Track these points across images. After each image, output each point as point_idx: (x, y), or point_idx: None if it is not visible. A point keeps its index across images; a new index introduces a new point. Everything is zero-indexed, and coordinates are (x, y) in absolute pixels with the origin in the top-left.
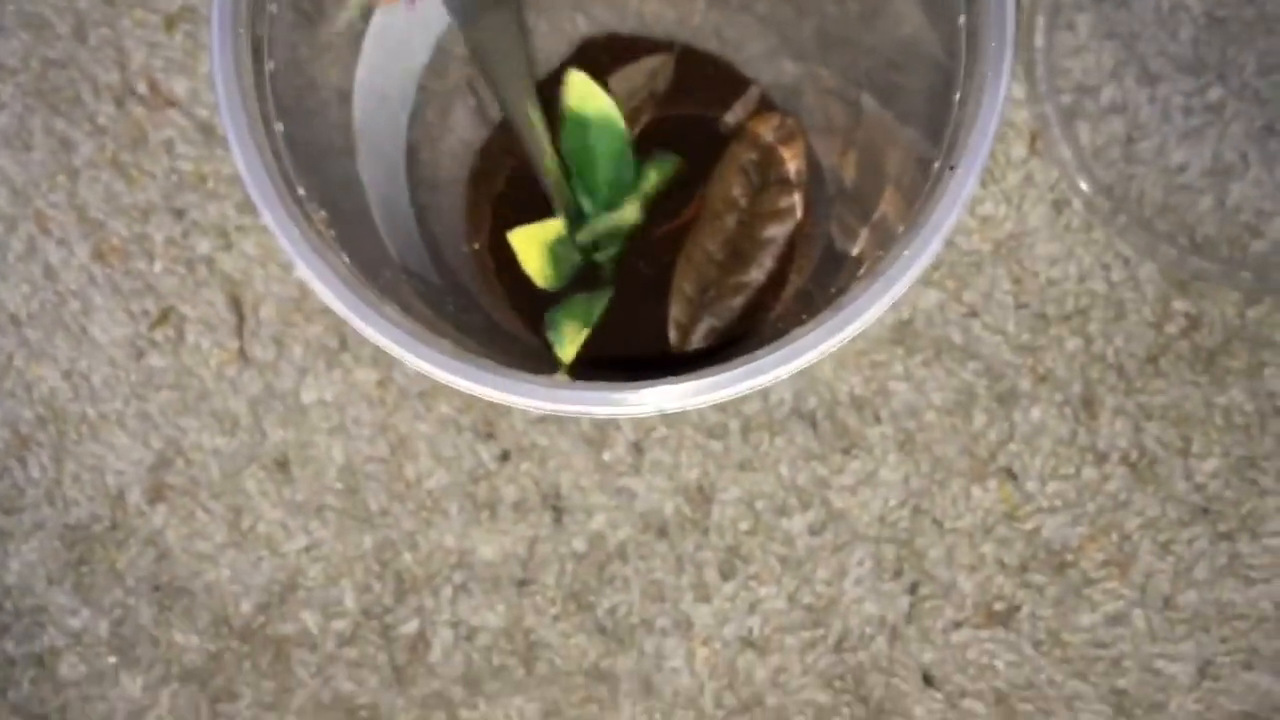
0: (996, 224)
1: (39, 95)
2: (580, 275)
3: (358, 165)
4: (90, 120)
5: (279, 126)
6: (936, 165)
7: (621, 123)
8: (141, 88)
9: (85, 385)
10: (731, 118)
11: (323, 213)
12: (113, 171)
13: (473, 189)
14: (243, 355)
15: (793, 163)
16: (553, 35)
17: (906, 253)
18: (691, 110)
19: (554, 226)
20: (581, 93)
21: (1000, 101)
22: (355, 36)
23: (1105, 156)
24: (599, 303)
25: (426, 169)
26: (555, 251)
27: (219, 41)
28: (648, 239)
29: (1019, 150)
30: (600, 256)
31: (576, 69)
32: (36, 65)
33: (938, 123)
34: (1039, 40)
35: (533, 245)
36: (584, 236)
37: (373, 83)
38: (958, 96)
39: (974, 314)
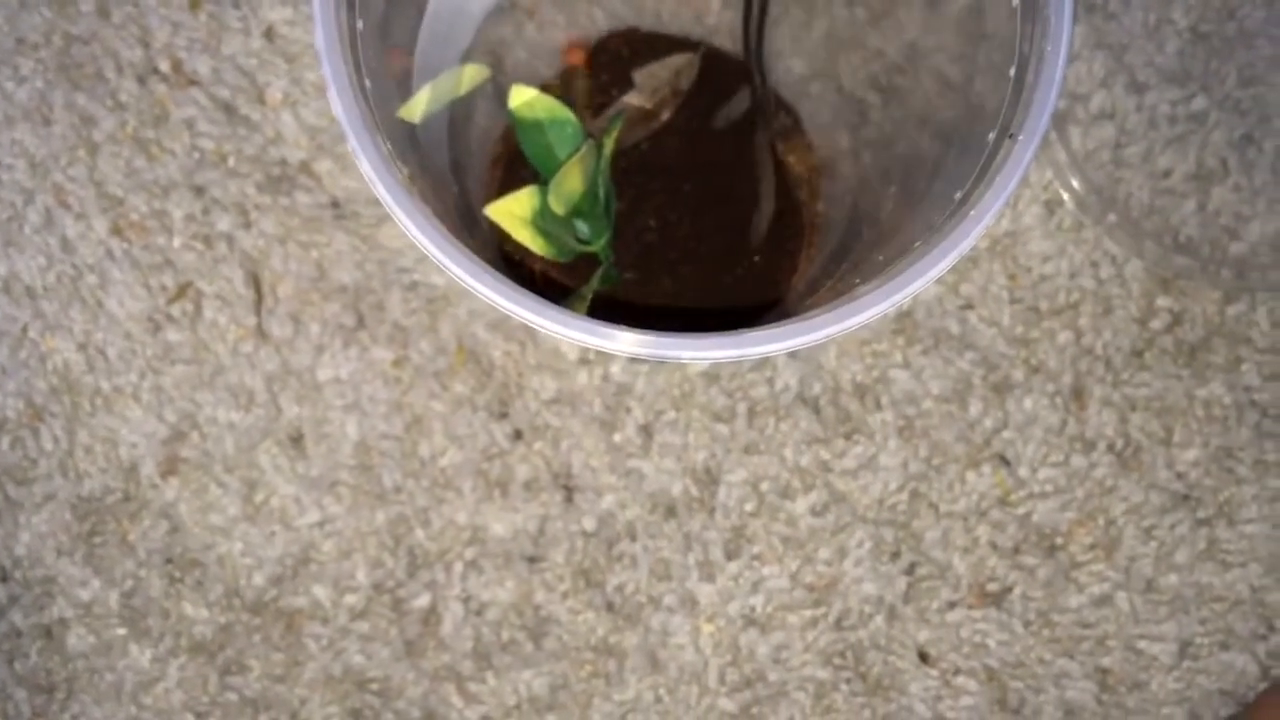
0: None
1: (61, 70)
2: (587, 259)
3: (417, 131)
4: (112, 96)
5: (367, 84)
6: (991, 136)
7: (574, 118)
8: (164, 66)
9: (100, 358)
10: (723, 119)
11: (405, 169)
12: (133, 148)
13: (492, 169)
14: (260, 332)
15: (791, 156)
16: (571, 29)
17: (973, 212)
18: (706, 107)
19: (526, 199)
20: (526, 99)
21: (1061, 72)
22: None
23: (1095, 160)
24: (591, 285)
25: (460, 147)
26: (539, 225)
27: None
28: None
29: None
30: (594, 245)
31: (521, 84)
32: (59, 41)
33: (954, 112)
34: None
35: (511, 218)
36: (555, 205)
37: (426, 56)
38: (1013, 71)
39: (970, 307)
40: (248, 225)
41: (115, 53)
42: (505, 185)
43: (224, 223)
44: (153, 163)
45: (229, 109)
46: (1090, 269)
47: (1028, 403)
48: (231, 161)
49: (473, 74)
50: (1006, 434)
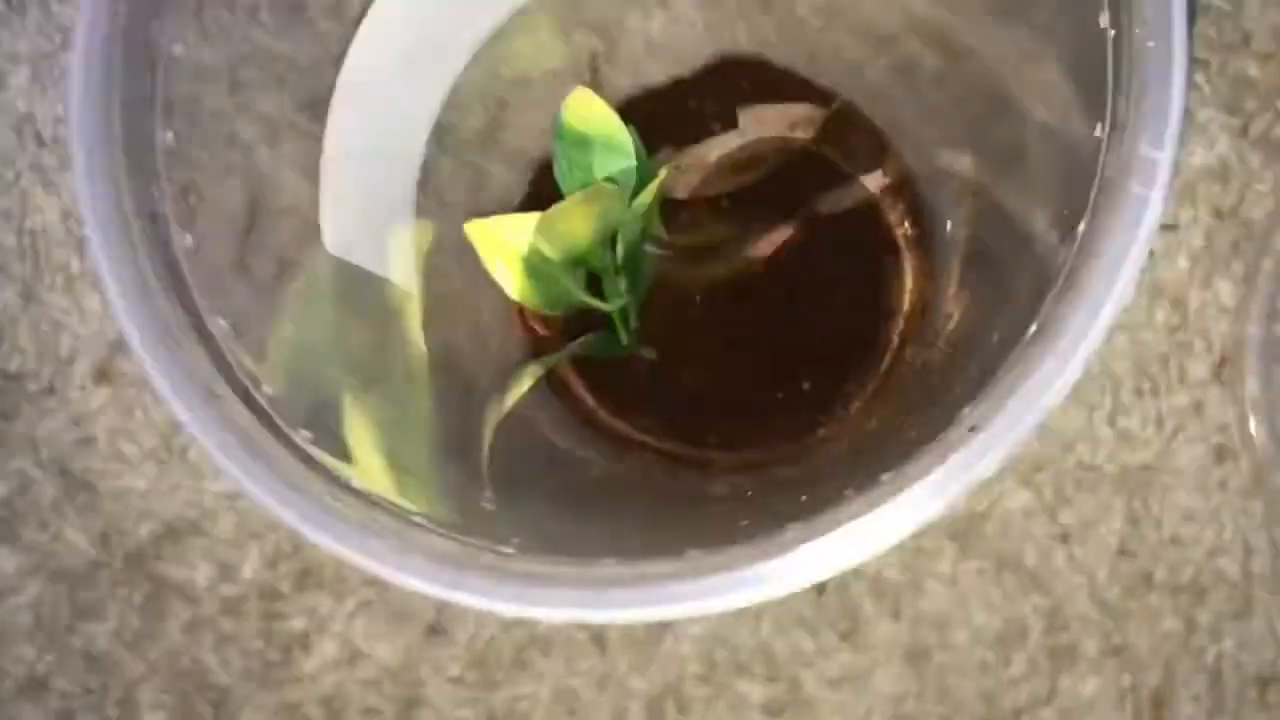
0: (1135, 445)
1: None
2: (591, 322)
3: None
4: None
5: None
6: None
7: (631, 150)
8: None
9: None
10: (834, 201)
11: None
12: None
13: None
14: None
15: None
16: (707, 35)
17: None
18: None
19: (527, 225)
20: (583, 112)
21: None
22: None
23: None
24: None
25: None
26: (535, 265)
27: None
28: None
29: (1198, 370)
30: (610, 304)
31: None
32: None
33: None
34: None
35: (494, 245)
36: (544, 246)
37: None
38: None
39: (1064, 540)
40: None
41: None
42: None
43: None
44: None
45: None
46: (1241, 553)
47: (1089, 687)
48: None
49: None
50: (1046, 714)
